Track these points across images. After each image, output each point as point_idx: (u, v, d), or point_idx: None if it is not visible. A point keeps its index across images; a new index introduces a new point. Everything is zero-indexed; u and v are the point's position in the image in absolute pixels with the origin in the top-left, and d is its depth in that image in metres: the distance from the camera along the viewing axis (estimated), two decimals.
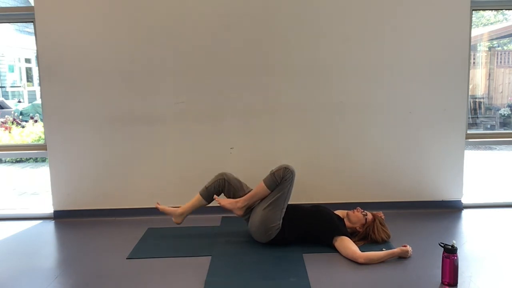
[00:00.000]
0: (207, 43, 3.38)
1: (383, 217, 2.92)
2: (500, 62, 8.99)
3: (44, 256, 2.84)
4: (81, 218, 3.48)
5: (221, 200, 2.85)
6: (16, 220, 3.54)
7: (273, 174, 2.73)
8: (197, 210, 3.33)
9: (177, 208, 2.97)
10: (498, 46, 9.62)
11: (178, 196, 3.50)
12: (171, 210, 2.98)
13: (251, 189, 2.87)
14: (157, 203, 3.01)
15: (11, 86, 13.06)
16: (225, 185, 2.94)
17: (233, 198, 2.92)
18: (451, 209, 3.55)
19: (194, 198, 2.96)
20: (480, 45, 9.10)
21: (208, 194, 2.93)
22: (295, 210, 2.84)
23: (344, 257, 2.62)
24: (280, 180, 2.71)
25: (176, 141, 3.47)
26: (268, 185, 2.73)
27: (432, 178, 3.54)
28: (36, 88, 12.34)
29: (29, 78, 13.47)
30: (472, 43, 3.54)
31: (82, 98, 3.41)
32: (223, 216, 3.40)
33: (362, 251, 2.58)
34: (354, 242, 2.70)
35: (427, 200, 3.56)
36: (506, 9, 5.51)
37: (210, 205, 3.29)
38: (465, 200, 3.60)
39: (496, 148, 7.37)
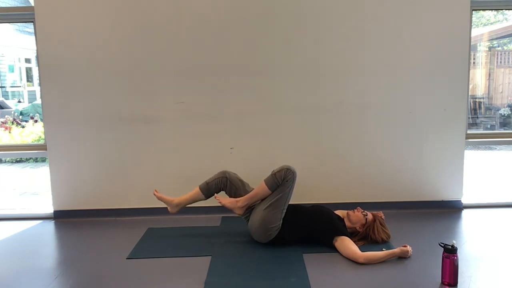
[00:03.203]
0: (207, 43, 3.37)
1: (383, 217, 2.92)
2: (500, 62, 8.99)
3: (44, 256, 2.84)
4: (81, 218, 3.48)
5: (222, 199, 2.85)
6: (16, 220, 3.54)
7: (274, 174, 2.73)
8: (197, 210, 3.34)
9: (174, 198, 2.97)
10: (498, 46, 9.61)
11: (178, 196, 3.50)
12: (168, 199, 2.98)
13: (253, 189, 2.86)
14: (155, 190, 3.02)
15: (11, 86, 13.05)
16: (226, 183, 2.93)
17: (233, 197, 2.92)
18: (451, 209, 3.55)
19: (193, 191, 2.96)
20: (480, 45, 9.09)
21: (208, 190, 2.93)
22: (295, 210, 2.84)
23: (344, 257, 2.62)
24: (281, 181, 2.70)
25: (176, 141, 3.47)
26: (269, 186, 2.72)
27: (432, 178, 3.54)
28: (36, 88, 12.33)
29: (29, 78, 13.46)
30: (472, 43, 3.54)
31: (82, 98, 3.41)
32: (223, 216, 3.40)
33: (362, 251, 2.58)
34: (354, 242, 2.70)
35: (427, 200, 3.55)
36: (506, 9, 5.51)
37: (210, 205, 3.29)
38: (465, 200, 3.60)
39: (496, 148, 7.37)
